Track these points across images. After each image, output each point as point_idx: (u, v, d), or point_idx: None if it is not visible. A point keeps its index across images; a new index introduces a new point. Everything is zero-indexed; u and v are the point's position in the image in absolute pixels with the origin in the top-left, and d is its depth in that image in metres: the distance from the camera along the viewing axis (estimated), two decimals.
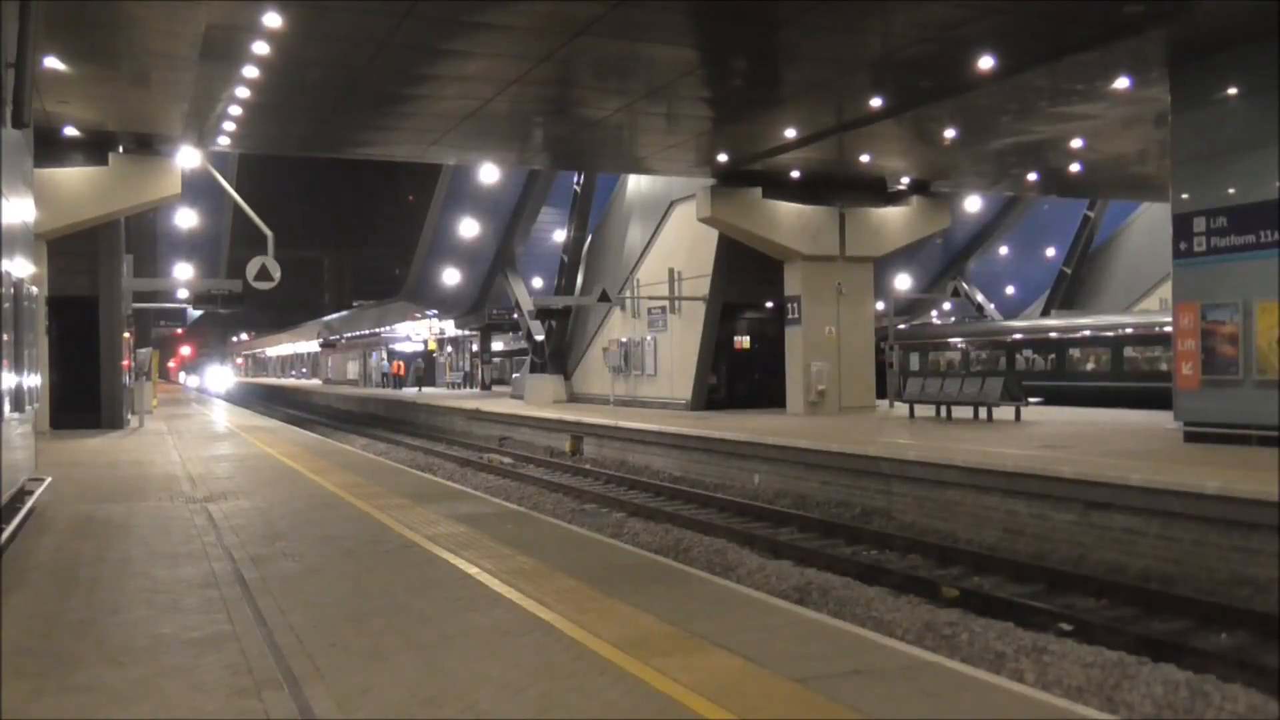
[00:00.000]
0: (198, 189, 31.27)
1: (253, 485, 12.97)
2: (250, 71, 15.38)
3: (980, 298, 42.27)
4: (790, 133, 19.78)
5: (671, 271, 27.00)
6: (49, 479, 11.89)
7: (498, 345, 52.81)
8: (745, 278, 25.65)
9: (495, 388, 47.22)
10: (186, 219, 39.25)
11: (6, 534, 8.46)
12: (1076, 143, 20.59)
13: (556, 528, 9.97)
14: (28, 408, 9.91)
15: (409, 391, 48.90)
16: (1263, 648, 8.24)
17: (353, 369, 73.34)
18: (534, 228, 37.11)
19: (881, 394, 26.22)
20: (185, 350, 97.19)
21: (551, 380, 33.43)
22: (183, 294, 28.23)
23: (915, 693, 4.76)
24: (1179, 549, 10.42)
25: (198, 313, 45.43)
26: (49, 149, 18.09)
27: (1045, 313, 40.41)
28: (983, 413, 20.30)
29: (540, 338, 34.14)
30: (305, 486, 12.81)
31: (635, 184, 30.53)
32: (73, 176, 19.31)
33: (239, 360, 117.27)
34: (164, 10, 12.79)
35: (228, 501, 11.31)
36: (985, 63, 15.08)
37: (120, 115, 18.12)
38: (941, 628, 8.55)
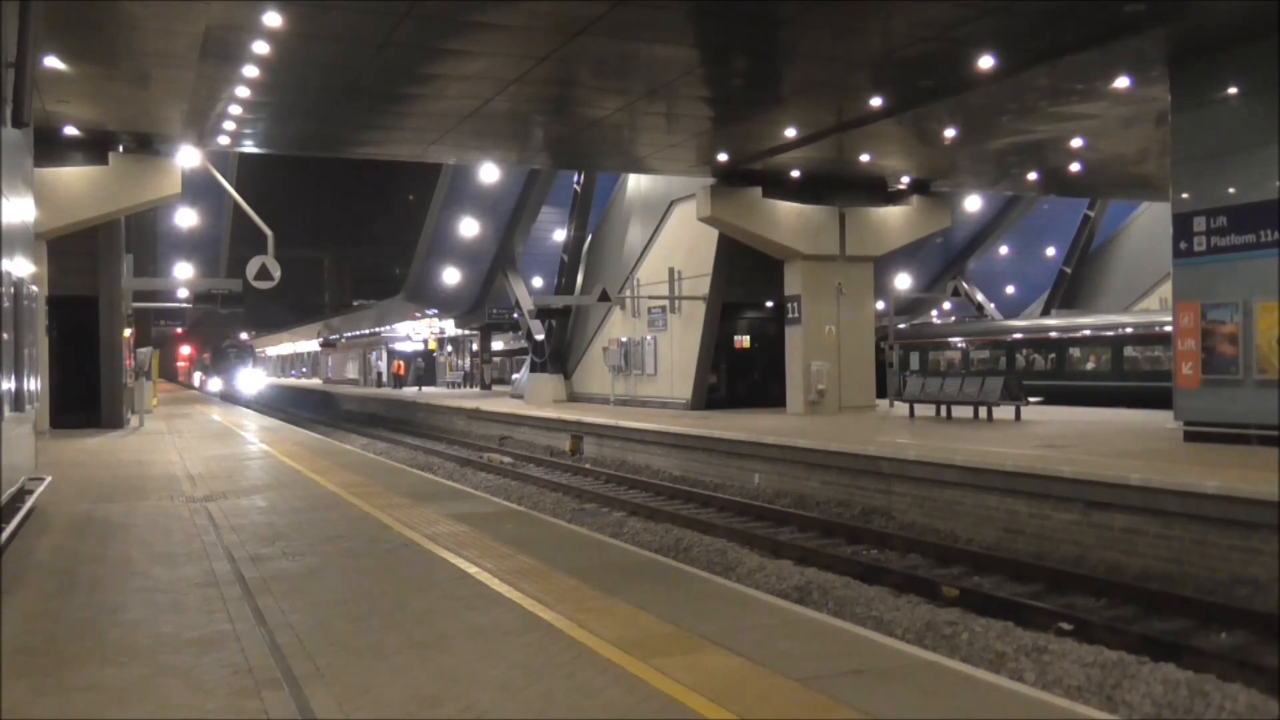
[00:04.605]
0: (198, 188, 31.29)
1: (253, 484, 12.97)
2: (250, 71, 15.37)
3: (980, 297, 42.27)
4: (790, 132, 19.77)
5: (671, 271, 27.00)
6: (49, 478, 11.90)
7: (498, 345, 52.82)
8: (745, 277, 25.65)
9: (495, 387, 47.25)
10: (186, 218, 39.26)
11: (6, 533, 8.46)
12: (1076, 142, 20.58)
13: (556, 527, 9.97)
14: (28, 407, 9.91)
15: (409, 391, 48.92)
16: (1262, 647, 8.25)
17: (353, 369, 73.27)
18: (534, 227, 37.10)
19: (881, 394, 26.22)
20: (189, 350, 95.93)
21: (551, 380, 33.44)
22: (183, 293, 28.24)
23: (915, 693, 4.76)
24: (1179, 548, 10.42)
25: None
26: (49, 149, 18.08)
27: (1045, 312, 40.43)
28: (983, 412, 20.31)
29: (540, 337, 34.15)
30: (305, 486, 12.81)
31: (635, 184, 30.52)
32: (73, 176, 19.30)
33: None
34: (164, 10, 12.78)
35: (228, 501, 11.32)
36: (985, 62, 15.07)
37: (120, 115, 18.12)
38: (942, 627, 8.55)
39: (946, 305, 46.57)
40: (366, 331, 61.93)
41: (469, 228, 36.79)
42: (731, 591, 7.05)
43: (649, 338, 28.67)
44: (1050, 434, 16.57)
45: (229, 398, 60.99)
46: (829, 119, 18.94)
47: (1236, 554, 9.89)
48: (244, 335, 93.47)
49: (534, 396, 32.92)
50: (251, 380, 69.91)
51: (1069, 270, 41.41)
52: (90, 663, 5.30)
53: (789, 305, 24.44)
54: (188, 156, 20.95)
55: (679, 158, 21.98)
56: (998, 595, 9.96)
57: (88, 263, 22.47)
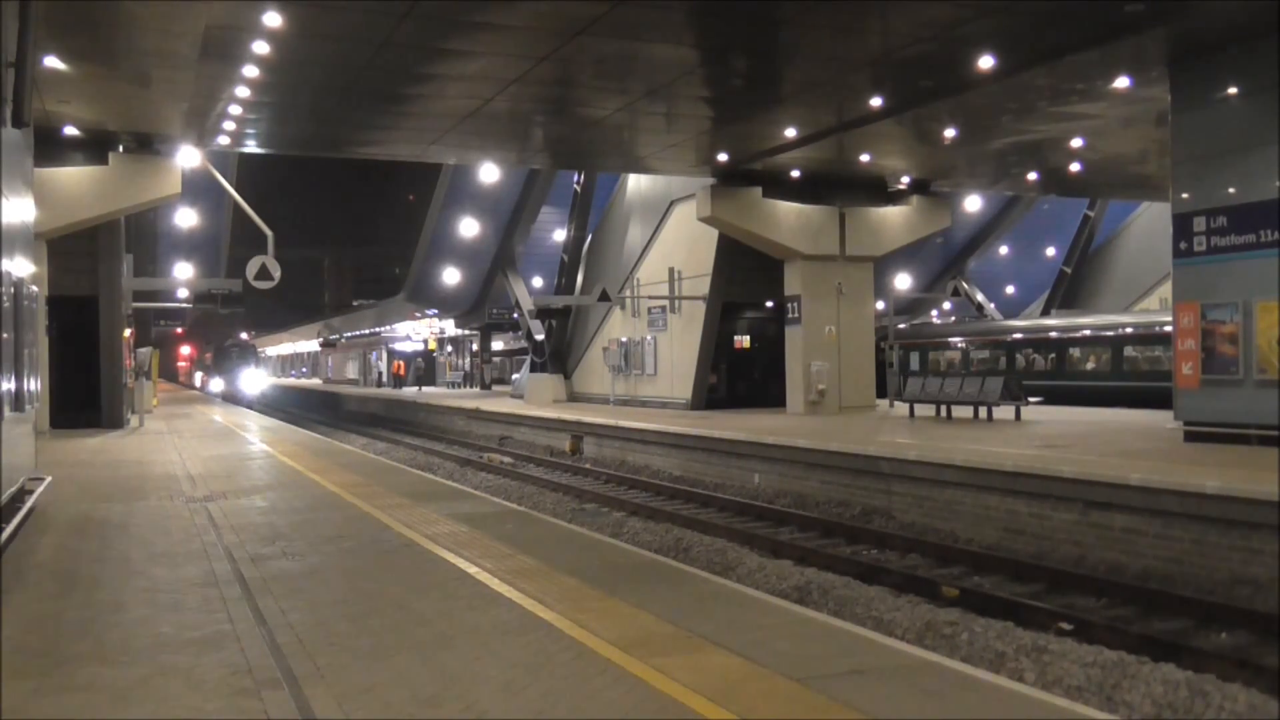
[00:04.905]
0: (198, 188, 31.27)
1: (253, 484, 12.97)
2: (250, 71, 15.37)
3: (980, 297, 42.28)
4: (790, 132, 19.77)
5: (671, 271, 27.00)
6: (49, 478, 11.89)
7: (498, 345, 52.80)
8: (745, 277, 25.66)
9: (495, 387, 47.25)
10: (186, 218, 39.23)
11: (6, 533, 8.46)
12: (1076, 143, 20.58)
13: (556, 527, 9.97)
14: (28, 407, 9.91)
15: (409, 391, 48.93)
16: (1262, 647, 8.25)
17: (353, 369, 73.08)
18: (534, 227, 37.10)
19: (881, 394, 26.22)
20: (189, 350, 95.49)
21: (551, 380, 33.44)
22: (183, 293, 28.25)
23: (915, 693, 4.76)
24: (1179, 548, 10.42)
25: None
26: (49, 149, 18.08)
27: (1045, 312, 40.43)
28: (983, 412, 20.30)
29: (540, 337, 34.15)
30: (305, 485, 12.81)
31: (635, 184, 30.53)
32: (73, 176, 19.30)
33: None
34: (164, 10, 12.79)
35: (227, 501, 11.32)
36: (985, 63, 15.07)
37: (120, 115, 18.12)
38: (941, 627, 8.55)
39: (946, 305, 46.56)
40: (366, 331, 61.91)
41: (469, 228, 36.80)
42: (731, 591, 7.05)
43: (649, 338, 28.67)
44: (1050, 434, 16.57)
45: (231, 398, 59.81)
46: (829, 119, 18.94)
47: (1236, 554, 9.89)
48: (244, 335, 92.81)
49: (534, 396, 32.92)
50: (255, 380, 68.50)
51: (1069, 270, 41.42)
52: (90, 663, 5.29)
53: (789, 305, 24.44)
54: (188, 156, 20.95)
55: (679, 158, 21.98)
56: (998, 595, 9.96)
57: (88, 263, 22.46)
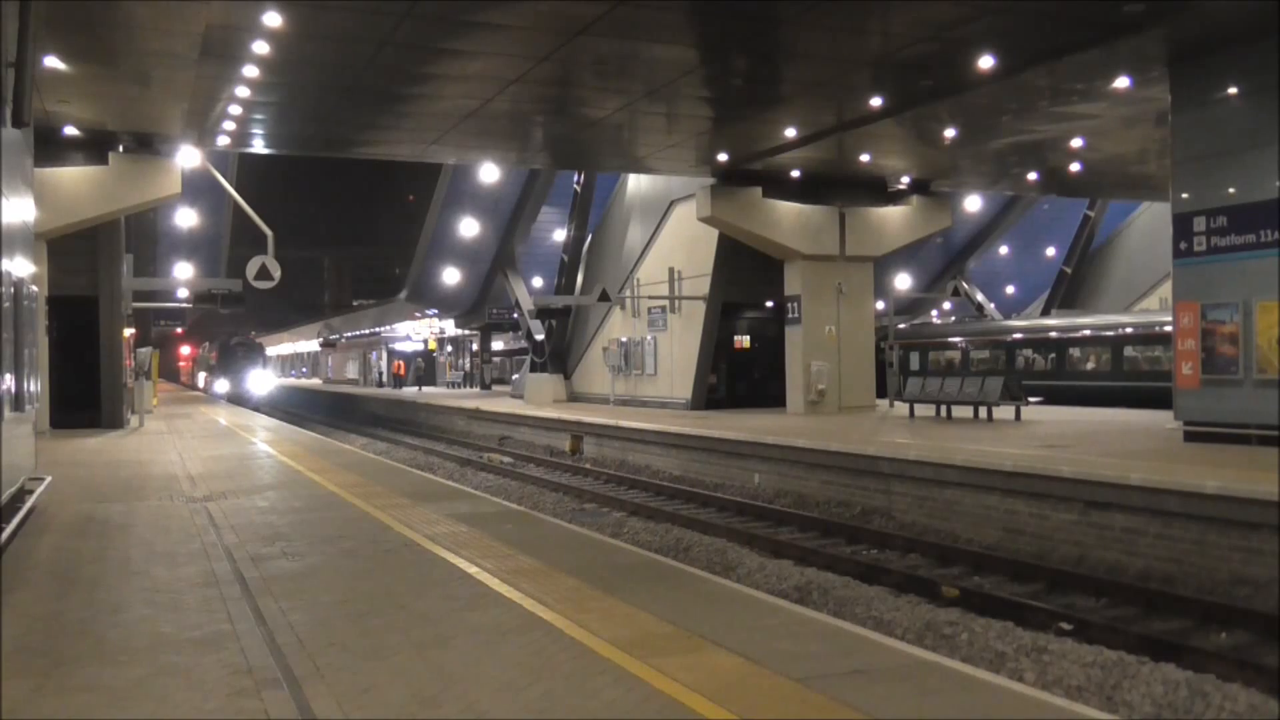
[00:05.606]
0: (198, 188, 31.28)
1: (253, 484, 12.97)
2: (250, 71, 15.37)
3: (980, 297, 42.27)
4: (790, 132, 19.77)
5: (671, 271, 27.00)
6: (49, 478, 11.89)
7: (498, 345, 52.79)
8: (745, 277, 25.65)
9: (495, 387, 47.26)
10: (186, 218, 39.22)
11: (6, 533, 8.46)
12: (1076, 142, 20.59)
13: (557, 527, 9.97)
14: (28, 407, 9.90)
15: (409, 391, 48.94)
16: (1262, 647, 8.25)
17: (353, 369, 73.01)
18: (534, 227, 37.11)
19: (881, 394, 26.22)
20: (189, 349, 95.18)
21: (551, 380, 33.44)
22: (183, 293, 28.24)
23: (915, 693, 4.76)
24: (1179, 548, 10.42)
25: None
26: (49, 149, 18.09)
27: (1045, 312, 40.41)
28: (983, 412, 20.30)
29: (540, 337, 34.15)
30: (305, 486, 12.81)
31: (635, 184, 30.53)
32: (73, 176, 19.30)
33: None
34: (164, 10, 12.79)
35: (227, 501, 11.32)
36: (985, 62, 15.07)
37: (120, 115, 18.12)
38: (941, 627, 8.55)
39: (946, 305, 46.56)
40: (366, 331, 61.88)
41: (469, 228, 36.80)
42: (731, 591, 7.05)
43: (649, 338, 28.67)
44: (1050, 434, 16.57)
45: (237, 399, 58.16)
46: (829, 119, 18.94)
47: (1236, 554, 9.90)
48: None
49: (534, 396, 32.92)
50: (262, 381, 66.67)
51: (1069, 270, 41.39)
52: (90, 663, 5.29)
53: (789, 305, 24.44)
54: (188, 156, 20.95)
55: (679, 158, 21.98)
56: (998, 595, 9.96)
57: (88, 263, 22.47)
